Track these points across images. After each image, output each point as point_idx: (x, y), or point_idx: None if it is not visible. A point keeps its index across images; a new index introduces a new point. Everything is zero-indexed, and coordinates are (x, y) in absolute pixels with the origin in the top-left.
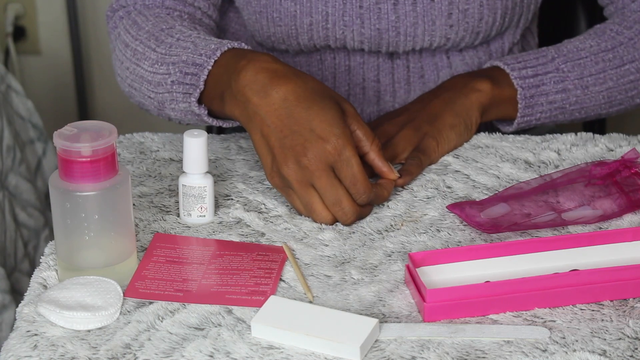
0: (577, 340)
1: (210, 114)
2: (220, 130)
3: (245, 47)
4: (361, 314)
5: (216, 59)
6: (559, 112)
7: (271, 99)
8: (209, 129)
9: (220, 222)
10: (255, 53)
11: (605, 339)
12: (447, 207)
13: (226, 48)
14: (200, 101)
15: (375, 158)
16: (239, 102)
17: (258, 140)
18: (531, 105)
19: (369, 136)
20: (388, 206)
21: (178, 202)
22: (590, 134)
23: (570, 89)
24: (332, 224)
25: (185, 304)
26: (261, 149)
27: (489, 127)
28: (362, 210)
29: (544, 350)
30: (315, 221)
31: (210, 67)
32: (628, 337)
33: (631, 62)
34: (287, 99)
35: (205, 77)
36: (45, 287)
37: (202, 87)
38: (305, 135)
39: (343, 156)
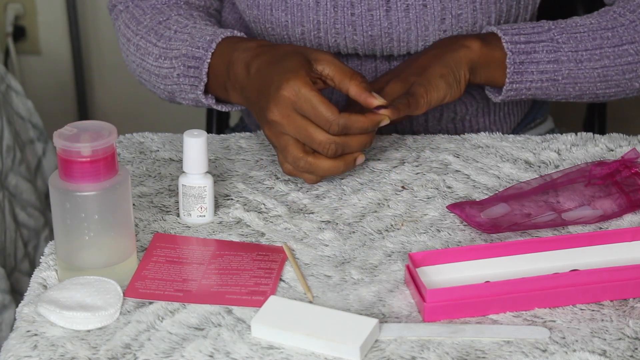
0: (577, 340)
1: (219, 99)
2: (220, 130)
3: (238, 35)
4: (361, 314)
5: (212, 51)
6: (551, 83)
7: (251, 76)
8: (209, 129)
9: (220, 222)
10: (245, 41)
11: (605, 339)
12: (447, 207)
13: (220, 39)
14: (207, 90)
15: (355, 92)
16: (238, 90)
17: (255, 117)
18: (520, 72)
19: (346, 74)
20: (388, 206)
21: (178, 202)
22: (590, 134)
23: (563, 60)
24: (306, 164)
25: (185, 304)
26: (259, 123)
27: (488, 127)
28: (347, 140)
29: (544, 350)
30: (295, 164)
31: (208, 60)
32: (628, 337)
33: (630, 43)
34: (259, 69)
35: (207, 69)
36: (45, 287)
37: (205, 79)
38: (268, 92)
39: (300, 95)
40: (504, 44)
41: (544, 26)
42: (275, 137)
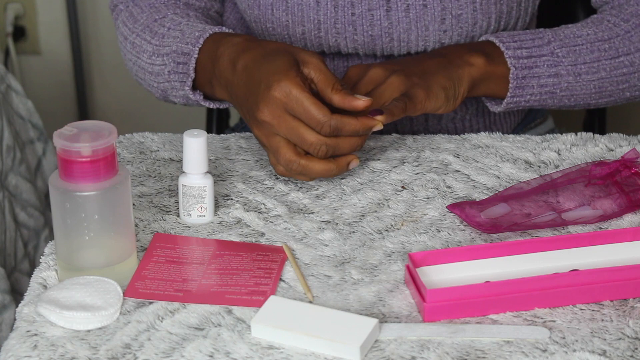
0: (577, 340)
1: (208, 96)
2: (220, 130)
3: (226, 31)
4: (361, 314)
5: (200, 46)
6: (549, 96)
7: (237, 72)
8: (209, 129)
9: (220, 222)
10: (231, 37)
11: (605, 339)
12: (447, 207)
13: (208, 35)
14: (195, 87)
15: (339, 102)
16: (223, 86)
17: (241, 114)
18: (522, 86)
19: (329, 81)
20: (388, 206)
21: (178, 202)
22: (590, 134)
23: (562, 74)
24: (299, 167)
25: (185, 304)
26: (246, 121)
27: (488, 127)
28: (339, 142)
29: (544, 350)
30: (288, 167)
31: (196, 55)
32: (628, 337)
33: (626, 54)
34: (247, 67)
35: (194, 65)
36: (45, 287)
37: (192, 75)
38: (257, 92)
39: (291, 96)
40: (507, 59)
41: (543, 38)
42: (265, 137)
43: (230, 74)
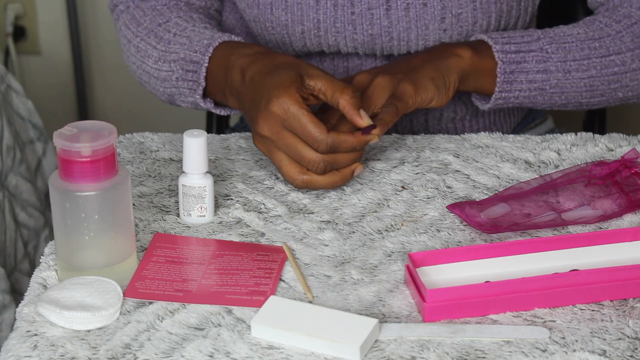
0: (577, 340)
1: (218, 102)
2: (220, 130)
3: (236, 39)
4: (361, 314)
5: (210, 55)
6: (538, 93)
7: (245, 83)
8: (209, 129)
9: (220, 222)
10: (243, 47)
11: (605, 339)
12: (447, 207)
13: (217, 43)
14: (205, 94)
15: (344, 106)
16: (235, 95)
17: (249, 125)
18: (510, 81)
19: (338, 87)
20: (388, 206)
21: (178, 202)
22: (590, 134)
23: (552, 70)
24: (303, 183)
25: (185, 304)
26: (252, 131)
27: (488, 127)
28: (337, 157)
29: (544, 350)
30: (292, 183)
31: (206, 64)
32: (628, 337)
33: (617, 54)
34: (253, 79)
35: (204, 74)
36: (45, 287)
37: (203, 83)
38: (258, 106)
39: (289, 113)
40: (494, 53)
41: (533, 35)
42: (268, 152)
43: (240, 85)
